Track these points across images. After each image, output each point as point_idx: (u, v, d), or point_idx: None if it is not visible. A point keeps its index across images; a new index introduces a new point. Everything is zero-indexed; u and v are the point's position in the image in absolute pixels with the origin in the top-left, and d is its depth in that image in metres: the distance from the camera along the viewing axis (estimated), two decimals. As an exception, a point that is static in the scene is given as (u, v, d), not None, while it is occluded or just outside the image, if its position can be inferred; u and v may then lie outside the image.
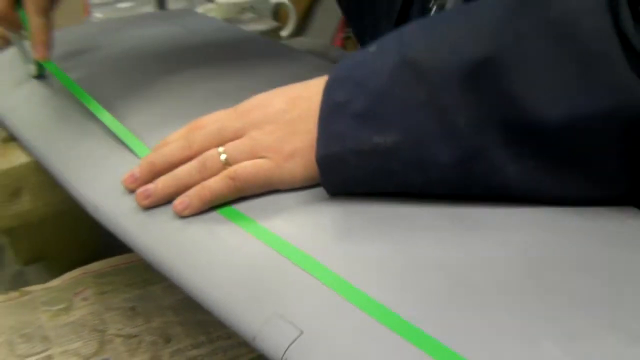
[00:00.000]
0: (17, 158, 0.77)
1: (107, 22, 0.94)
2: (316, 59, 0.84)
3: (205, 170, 0.58)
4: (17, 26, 0.78)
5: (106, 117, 0.70)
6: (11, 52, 0.91)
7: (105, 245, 0.78)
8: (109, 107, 0.72)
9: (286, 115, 0.58)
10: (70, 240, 0.81)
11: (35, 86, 0.83)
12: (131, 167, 0.61)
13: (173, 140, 0.62)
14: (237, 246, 0.53)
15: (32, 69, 0.83)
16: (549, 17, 0.50)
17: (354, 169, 0.55)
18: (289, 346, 0.44)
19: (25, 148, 0.76)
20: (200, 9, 1.50)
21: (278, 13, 1.35)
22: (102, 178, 0.64)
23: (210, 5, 1.49)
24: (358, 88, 0.55)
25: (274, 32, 1.09)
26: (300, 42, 0.98)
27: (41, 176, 0.76)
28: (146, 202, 0.58)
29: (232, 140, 0.59)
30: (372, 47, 0.57)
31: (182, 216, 0.57)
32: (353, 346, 0.43)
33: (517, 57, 0.50)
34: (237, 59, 0.84)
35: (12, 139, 0.80)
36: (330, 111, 0.55)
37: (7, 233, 0.81)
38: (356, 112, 0.54)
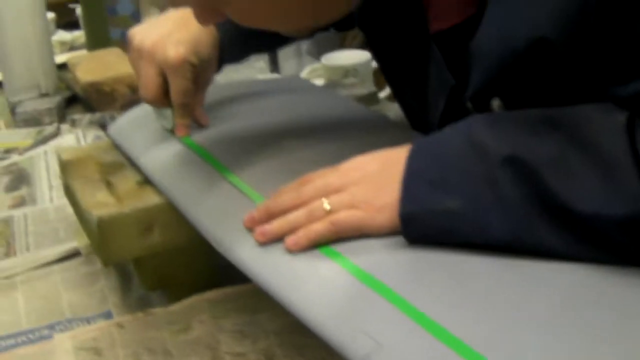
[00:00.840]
0: (151, 199, 0.91)
1: (225, 86, 1.08)
2: (401, 130, 0.97)
3: (312, 216, 0.72)
4: (165, 106, 0.93)
5: (228, 173, 0.86)
6: (146, 106, 1.06)
7: (219, 275, 0.91)
8: (230, 163, 0.87)
9: (378, 175, 0.73)
10: (190, 270, 0.94)
11: (168, 138, 0.98)
12: (249, 210, 0.77)
13: (285, 191, 0.76)
14: (334, 279, 0.66)
15: (167, 124, 0.99)
16: (577, 133, 0.64)
17: (428, 226, 0.68)
18: (369, 353, 0.56)
19: (159, 191, 0.90)
20: (308, 68, 1.65)
21: (378, 75, 1.47)
22: (225, 219, 0.78)
23: (317, 65, 1.63)
24: (433, 160, 0.70)
25: (373, 96, 1.22)
26: (395, 109, 1.10)
27: (170, 215, 0.89)
28: (262, 239, 0.73)
29: (334, 193, 0.73)
30: (447, 129, 0.72)
31: (291, 252, 0.70)
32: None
33: (550, 159, 0.65)
34: (337, 125, 0.98)
35: (146, 182, 0.94)
36: (411, 177, 0.70)
37: (136, 262, 0.95)
38: (431, 179, 0.69)
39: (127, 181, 0.96)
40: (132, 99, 1.56)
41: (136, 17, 1.89)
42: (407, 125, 0.99)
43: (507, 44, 0.71)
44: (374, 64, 1.44)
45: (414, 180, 0.69)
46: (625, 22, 0.65)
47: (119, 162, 1.02)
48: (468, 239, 0.67)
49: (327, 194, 0.73)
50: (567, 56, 0.68)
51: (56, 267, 1.07)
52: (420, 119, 0.91)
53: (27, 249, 1.12)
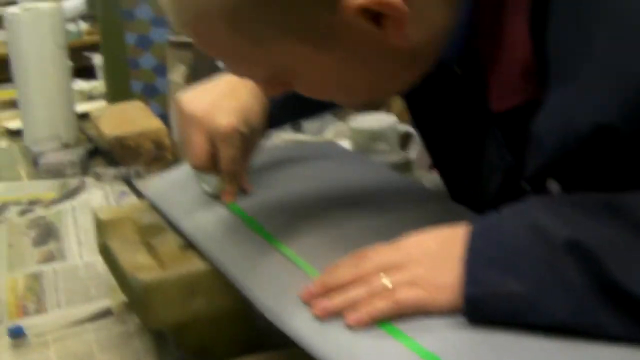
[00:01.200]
0: (195, 264, 0.91)
1: (264, 150, 1.10)
2: (444, 202, 0.98)
3: (373, 293, 0.73)
4: (213, 172, 0.96)
5: (278, 243, 0.87)
6: (185, 169, 1.07)
7: (257, 340, 0.92)
8: (278, 233, 0.88)
9: (438, 254, 0.74)
10: (229, 335, 0.94)
11: (211, 203, 0.99)
12: (303, 282, 0.77)
13: (342, 266, 0.77)
14: (395, 356, 0.67)
15: (211, 189, 0.99)
16: (637, 220, 0.67)
17: (491, 308, 0.69)
18: None
19: (202, 256, 0.91)
20: (332, 129, 1.66)
21: (404, 139, 1.49)
22: (279, 290, 0.79)
23: (341, 126, 1.64)
24: (495, 242, 0.71)
25: (407, 164, 1.23)
26: (429, 178, 1.12)
27: (214, 281, 0.89)
28: (322, 314, 0.73)
29: (393, 270, 0.74)
30: (505, 212, 0.73)
31: (352, 328, 0.71)
32: None
33: (611, 245, 0.67)
34: (380, 195, 0.99)
35: (189, 246, 0.95)
36: (473, 258, 0.71)
37: (175, 327, 0.95)
38: (493, 262, 0.70)
39: (168, 244, 0.97)
40: (156, 155, 1.57)
41: (158, 71, 1.91)
42: (447, 196, 1.00)
43: (570, 128, 0.72)
44: (400, 128, 1.46)
45: (476, 262, 0.71)
46: None
47: (158, 224, 1.02)
48: (530, 321, 0.68)
49: (386, 270, 0.74)
50: (631, 144, 0.69)
51: (89, 326, 1.06)
52: (466, 192, 0.92)
53: (59, 305, 1.12)
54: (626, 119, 0.68)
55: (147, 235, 1.00)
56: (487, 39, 0.78)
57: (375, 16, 0.71)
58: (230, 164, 0.95)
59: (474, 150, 0.87)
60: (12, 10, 1.76)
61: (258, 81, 0.84)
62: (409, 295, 0.72)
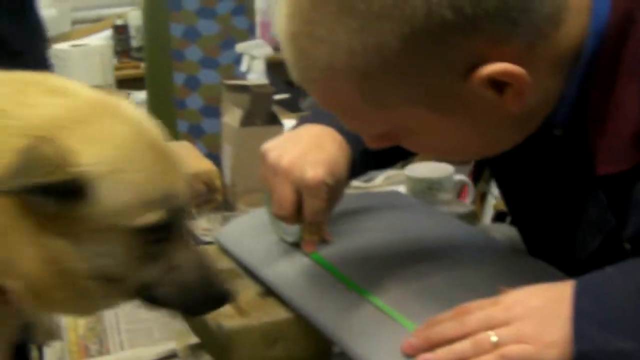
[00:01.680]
0: (277, 312, 0.91)
1: None
2: (525, 257, 0.99)
3: (479, 349, 0.74)
4: (297, 222, 0.96)
5: (365, 293, 0.87)
6: (258, 214, 1.07)
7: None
8: (363, 283, 0.89)
9: (543, 312, 0.74)
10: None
11: (289, 250, 0.99)
12: (397, 334, 0.79)
13: (445, 320, 0.77)
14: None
15: (290, 238, 1.00)
16: None
17: None
18: None
19: (285, 304, 0.91)
20: (384, 174, 1.66)
21: (460, 190, 1.49)
22: (374, 342, 0.79)
23: (393, 172, 1.64)
24: (602, 300, 0.73)
25: (473, 215, 1.23)
26: (502, 230, 1.12)
27: (296, 329, 0.89)
28: None
29: (499, 327, 0.74)
30: (610, 270, 0.75)
31: None
32: None
33: None
34: (457, 247, 1.00)
35: (268, 293, 0.95)
36: (581, 316, 0.72)
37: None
38: (601, 320, 0.72)
39: (246, 291, 0.97)
40: (207, 197, 1.57)
41: (205, 112, 1.92)
42: (523, 250, 1.00)
43: None
44: (456, 178, 1.46)
45: (584, 319, 0.72)
46: None
47: (234, 270, 1.02)
48: None
49: (492, 326, 0.75)
50: None
51: (154, 369, 1.06)
52: (550, 249, 0.93)
53: (122, 347, 1.11)
54: None
55: (222, 281, 1.00)
56: (598, 105, 0.79)
57: (498, 84, 0.74)
58: (315, 215, 0.96)
59: (572, 210, 0.88)
60: (61, 47, 1.78)
61: (366, 137, 0.85)
62: (516, 351, 0.72)
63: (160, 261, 0.73)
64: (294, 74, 0.78)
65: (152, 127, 0.74)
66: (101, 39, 3.88)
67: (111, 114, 0.69)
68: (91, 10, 4.10)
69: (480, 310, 0.77)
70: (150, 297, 0.76)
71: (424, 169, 1.46)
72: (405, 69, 0.72)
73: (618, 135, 0.79)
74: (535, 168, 0.92)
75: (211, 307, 0.79)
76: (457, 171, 1.47)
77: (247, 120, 1.52)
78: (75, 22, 4.05)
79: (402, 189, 1.48)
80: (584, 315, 0.72)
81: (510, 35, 0.73)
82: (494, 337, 0.74)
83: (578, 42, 0.78)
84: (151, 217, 0.69)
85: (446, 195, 1.34)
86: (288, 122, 1.89)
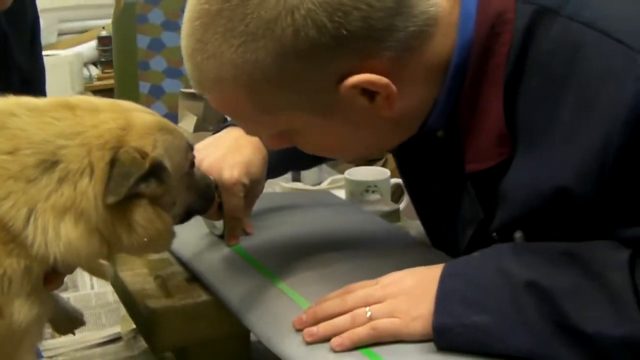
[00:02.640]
0: (199, 295, 1.02)
1: (266, 196, 1.21)
2: (426, 249, 1.09)
3: (355, 322, 0.85)
4: (218, 219, 1.09)
5: (275, 279, 0.98)
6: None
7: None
8: (275, 270, 1.00)
9: (414, 290, 0.86)
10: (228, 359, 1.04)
11: (216, 242, 1.10)
12: (296, 313, 0.89)
13: (331, 299, 0.89)
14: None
15: (217, 232, 1.11)
16: (590, 266, 0.79)
17: (457, 336, 0.81)
18: None
19: (207, 289, 1.02)
20: (329, 180, 1.77)
21: (396, 191, 1.60)
22: (274, 320, 0.90)
23: (337, 177, 1.75)
24: (465, 281, 0.84)
25: (395, 213, 1.34)
26: (414, 226, 1.23)
27: (216, 310, 1.00)
28: (310, 340, 0.85)
29: (375, 303, 0.85)
30: (476, 254, 0.86)
31: (335, 351, 0.83)
32: None
33: (566, 287, 0.79)
34: (368, 240, 1.11)
35: (194, 280, 1.05)
36: (445, 294, 0.83)
37: (179, 350, 1.05)
38: (462, 298, 0.83)
39: (175, 277, 1.07)
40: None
41: (169, 119, 2.01)
42: (429, 243, 1.10)
43: (534, 189, 0.85)
44: (392, 181, 1.57)
45: (447, 297, 0.83)
46: (633, 181, 0.78)
47: (166, 259, 1.13)
48: (491, 350, 0.80)
49: (368, 303, 0.86)
50: (584, 204, 0.81)
51: (98, 350, 1.17)
52: (444, 240, 1.03)
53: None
54: (579, 182, 0.81)
55: (156, 268, 1.11)
56: (466, 110, 0.90)
57: (368, 92, 0.84)
58: (233, 211, 1.07)
59: (451, 204, 0.98)
60: (34, 57, 1.88)
61: (266, 138, 0.96)
62: (386, 323, 0.83)
63: (192, 186, 0.95)
64: (193, 85, 0.89)
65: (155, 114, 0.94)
66: (86, 49, 3.99)
67: (135, 116, 0.87)
68: (77, 21, 4.19)
69: (361, 289, 0.88)
70: (191, 212, 0.98)
71: (362, 172, 1.57)
72: (283, 80, 0.82)
73: (484, 136, 0.88)
74: (425, 166, 1.03)
75: (212, 200, 1.03)
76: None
77: (200, 126, 1.63)
78: (61, 33, 4.16)
79: (343, 191, 1.58)
80: (448, 293, 0.83)
81: (376, 51, 0.82)
82: (369, 312, 0.84)
83: (447, 54, 0.88)
84: (190, 158, 0.93)
85: (375, 196, 1.44)
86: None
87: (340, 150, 0.96)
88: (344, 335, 0.83)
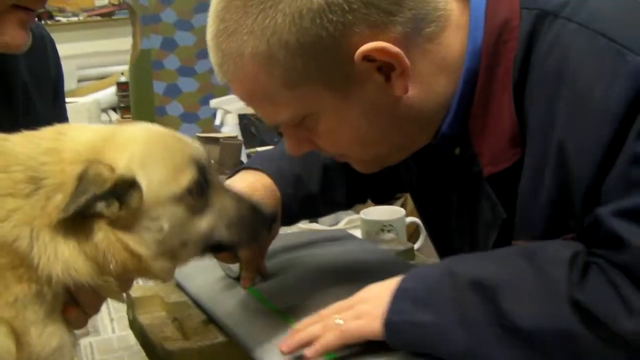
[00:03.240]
0: (215, 337, 1.03)
1: (284, 237, 1.23)
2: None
3: (325, 329, 0.90)
4: (235, 262, 1.11)
5: (288, 319, 1.00)
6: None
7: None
8: (288, 311, 1.03)
9: (380, 294, 0.89)
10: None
11: (231, 284, 1.12)
12: None
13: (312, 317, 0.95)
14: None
15: (232, 274, 1.12)
16: (536, 263, 0.84)
17: (404, 333, 0.86)
18: None
19: (223, 330, 1.03)
20: (346, 219, 1.78)
21: (412, 231, 1.61)
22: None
23: (353, 217, 1.76)
24: (419, 283, 0.89)
25: (410, 251, 1.35)
26: (429, 263, 1.23)
27: (232, 351, 1.01)
28: (285, 349, 0.91)
29: (344, 311, 0.91)
30: (444, 260, 0.92)
31: (308, 357, 0.89)
32: None
33: (508, 283, 0.83)
34: (372, 274, 1.11)
35: (210, 321, 1.07)
36: (399, 294, 0.88)
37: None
38: (413, 298, 0.87)
39: (193, 319, 1.09)
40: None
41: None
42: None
43: (540, 190, 0.88)
44: (408, 220, 1.58)
45: (400, 296, 0.87)
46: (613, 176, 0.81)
47: (184, 301, 1.14)
48: (433, 348, 0.85)
49: (339, 312, 0.91)
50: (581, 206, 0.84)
51: (121, 393, 1.18)
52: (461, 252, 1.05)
53: (94, 375, 1.23)
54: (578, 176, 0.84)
55: (173, 311, 1.12)
56: (479, 115, 0.93)
57: (384, 71, 0.88)
58: (250, 255, 1.09)
59: (472, 213, 1.00)
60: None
61: (288, 139, 0.98)
62: (351, 325, 0.89)
63: (208, 212, 0.87)
64: (218, 75, 0.92)
65: (156, 126, 0.90)
66: (106, 95, 4.04)
67: (124, 128, 0.85)
68: (96, 68, 4.25)
69: (334, 306, 0.93)
70: (215, 244, 0.90)
71: (377, 212, 1.58)
72: (300, 46, 0.85)
73: (498, 140, 0.91)
74: (442, 184, 1.05)
75: (262, 229, 0.94)
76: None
77: (218, 170, 1.65)
78: (81, 80, 4.21)
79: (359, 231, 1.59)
80: (402, 292, 0.87)
81: (386, 23, 0.86)
82: (338, 320, 0.90)
83: (458, 53, 0.92)
84: (184, 180, 0.84)
85: (390, 235, 1.45)
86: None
87: (357, 143, 0.96)
88: (317, 343, 0.89)
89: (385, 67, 0.88)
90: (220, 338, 1.03)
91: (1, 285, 0.78)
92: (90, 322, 1.38)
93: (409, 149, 1.00)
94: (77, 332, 1.33)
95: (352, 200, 1.27)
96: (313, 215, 1.31)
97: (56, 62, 1.39)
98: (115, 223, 0.81)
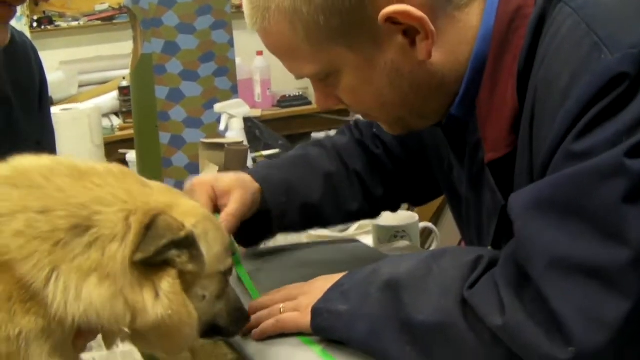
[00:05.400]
0: (224, 355, 0.98)
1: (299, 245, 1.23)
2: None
3: (270, 315, 0.97)
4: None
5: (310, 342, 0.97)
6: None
7: None
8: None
9: (320, 288, 0.95)
10: None
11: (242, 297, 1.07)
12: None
13: (269, 295, 1.02)
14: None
15: None
16: (442, 264, 0.88)
17: (323, 320, 0.92)
18: None
19: (233, 348, 0.98)
20: (356, 225, 1.72)
21: (427, 237, 1.56)
22: None
23: (365, 222, 1.71)
24: (353, 277, 0.94)
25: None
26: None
27: None
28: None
29: (289, 300, 0.98)
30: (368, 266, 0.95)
31: (256, 340, 0.97)
32: None
33: (413, 282, 0.87)
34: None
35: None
36: (334, 287, 0.94)
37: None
38: (342, 289, 0.93)
39: (200, 336, 1.04)
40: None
41: (190, 169, 2.00)
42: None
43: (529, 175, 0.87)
44: (421, 225, 1.52)
45: (333, 289, 0.94)
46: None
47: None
48: (339, 336, 0.91)
49: (287, 300, 0.98)
50: None
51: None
52: (475, 242, 1.05)
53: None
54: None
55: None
56: (485, 100, 0.91)
57: (409, 34, 0.88)
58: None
59: (477, 200, 0.99)
60: (52, 110, 1.86)
61: (314, 87, 0.99)
62: (287, 316, 0.96)
63: (223, 298, 0.91)
64: (249, 25, 0.93)
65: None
66: (107, 100, 3.99)
67: (181, 195, 0.88)
68: (97, 72, 4.21)
69: (288, 289, 1.00)
70: (215, 328, 0.91)
71: (390, 218, 1.52)
72: (324, 3, 0.86)
73: (501, 125, 0.90)
74: (456, 173, 1.05)
75: (242, 326, 0.97)
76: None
77: (223, 176, 1.59)
78: (82, 85, 4.17)
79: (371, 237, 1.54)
80: (336, 286, 0.93)
81: None
82: (282, 308, 0.97)
83: (473, 34, 0.91)
84: (229, 262, 0.90)
85: (402, 243, 1.40)
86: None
87: (378, 103, 0.96)
88: (260, 326, 0.96)
89: (411, 30, 0.87)
90: (231, 356, 0.99)
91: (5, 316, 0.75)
92: (94, 336, 1.34)
93: (430, 119, 1.01)
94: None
95: (376, 208, 1.28)
96: (322, 223, 1.27)
97: (40, 70, 1.35)
98: (181, 277, 0.82)
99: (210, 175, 1.16)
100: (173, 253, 0.80)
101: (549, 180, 0.79)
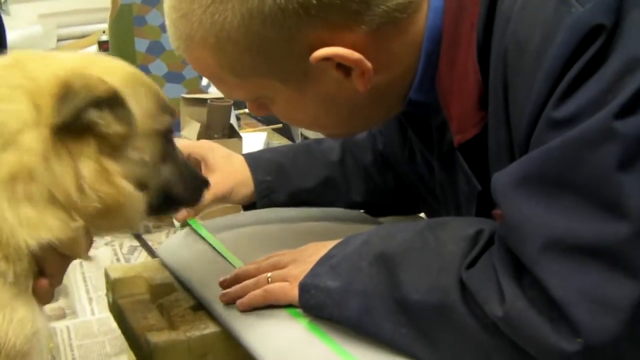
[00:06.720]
0: (206, 326, 0.91)
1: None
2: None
3: (257, 285, 0.91)
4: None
5: (295, 313, 0.90)
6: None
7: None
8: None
9: (310, 257, 0.89)
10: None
11: (223, 263, 1.02)
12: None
13: (254, 263, 0.95)
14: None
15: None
16: (437, 239, 0.80)
17: (311, 297, 0.85)
18: None
19: (215, 319, 0.92)
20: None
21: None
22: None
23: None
24: (341, 249, 0.87)
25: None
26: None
27: (225, 343, 0.90)
28: (224, 299, 0.92)
29: (277, 269, 0.92)
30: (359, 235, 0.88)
31: (241, 311, 0.89)
32: None
33: (408, 258, 0.80)
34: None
35: (200, 307, 0.95)
36: (323, 259, 0.87)
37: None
38: (331, 263, 0.86)
39: (180, 304, 0.97)
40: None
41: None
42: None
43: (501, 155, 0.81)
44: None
45: (322, 262, 0.87)
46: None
47: (170, 283, 1.03)
48: (329, 314, 0.84)
49: (275, 269, 0.92)
50: None
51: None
52: None
53: (72, 363, 1.12)
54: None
55: (157, 294, 1.01)
56: (445, 76, 0.84)
57: (344, 67, 0.80)
58: (184, 217, 1.13)
59: (452, 189, 0.93)
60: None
61: (247, 102, 0.93)
62: (276, 287, 0.89)
63: (170, 162, 0.84)
64: (172, 42, 0.86)
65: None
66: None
67: (102, 58, 0.80)
68: (76, 26, 4.12)
69: (276, 257, 0.94)
70: (170, 197, 0.85)
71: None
72: (249, 44, 0.79)
73: (466, 102, 0.83)
74: (430, 159, 0.99)
75: (204, 189, 0.93)
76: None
77: (205, 134, 1.53)
78: (61, 39, 4.08)
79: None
80: (325, 259, 0.86)
81: (351, 24, 0.78)
82: (269, 277, 0.90)
83: (421, 33, 0.83)
84: (166, 120, 0.82)
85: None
86: (252, 135, 1.90)
87: (315, 125, 0.94)
88: (246, 297, 0.90)
89: (344, 65, 0.80)
90: (212, 328, 0.91)
91: None
92: (67, 303, 1.28)
93: (379, 121, 0.99)
94: (51, 314, 1.24)
95: (387, 203, 1.21)
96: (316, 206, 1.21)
97: None
98: (103, 147, 0.75)
99: (204, 144, 1.15)
100: (93, 114, 0.72)
101: (534, 155, 0.71)
